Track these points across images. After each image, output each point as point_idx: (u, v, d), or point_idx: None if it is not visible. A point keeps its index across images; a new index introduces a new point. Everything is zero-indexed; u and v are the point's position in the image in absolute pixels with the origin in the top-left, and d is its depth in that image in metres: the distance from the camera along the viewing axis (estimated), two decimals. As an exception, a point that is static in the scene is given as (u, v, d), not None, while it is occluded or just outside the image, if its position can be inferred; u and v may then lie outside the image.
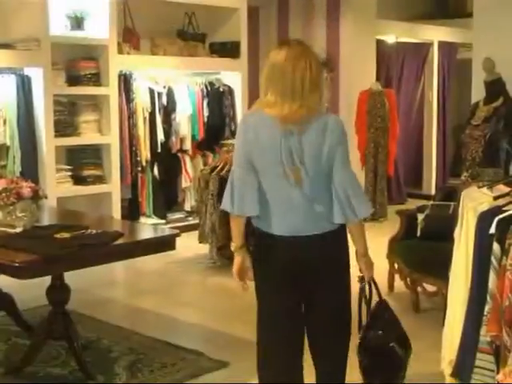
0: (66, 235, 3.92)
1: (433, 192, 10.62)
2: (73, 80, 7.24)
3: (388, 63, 10.22)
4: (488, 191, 2.79)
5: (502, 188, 2.78)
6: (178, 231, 4.16)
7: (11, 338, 4.79)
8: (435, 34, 10.51)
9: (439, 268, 5.11)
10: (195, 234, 6.82)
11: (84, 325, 4.87)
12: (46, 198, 4.42)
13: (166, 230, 4.52)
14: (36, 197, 4.28)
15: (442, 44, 10.62)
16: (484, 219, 2.56)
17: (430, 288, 5.39)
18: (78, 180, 7.31)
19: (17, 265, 3.50)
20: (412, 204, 9.45)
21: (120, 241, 3.94)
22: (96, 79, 7.35)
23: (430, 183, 10.74)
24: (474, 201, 2.77)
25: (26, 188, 4.24)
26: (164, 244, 4.07)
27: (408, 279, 5.58)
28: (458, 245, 2.93)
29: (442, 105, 10.80)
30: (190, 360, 4.46)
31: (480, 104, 4.21)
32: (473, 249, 2.65)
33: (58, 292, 4.12)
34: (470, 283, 2.67)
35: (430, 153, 10.74)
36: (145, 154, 7.86)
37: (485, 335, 2.64)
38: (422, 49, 10.60)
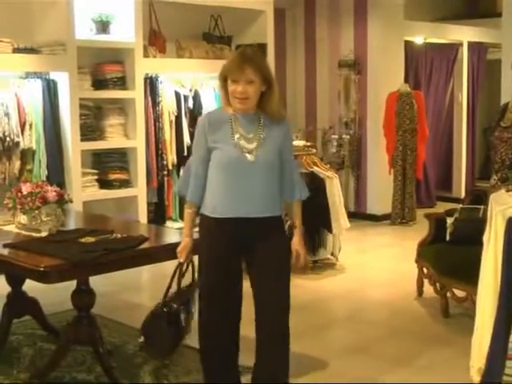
0: (91, 239, 3.95)
1: (462, 195, 10.55)
2: (98, 84, 7.26)
3: (416, 64, 10.17)
4: (517, 195, 2.77)
5: (532, 192, 2.75)
6: (203, 235, 4.14)
7: (37, 343, 4.83)
8: (464, 34, 10.43)
9: (469, 273, 5.06)
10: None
11: (109, 329, 4.91)
12: (71, 202, 4.45)
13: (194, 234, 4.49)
14: (61, 201, 4.32)
15: (471, 44, 10.54)
16: (513, 223, 2.53)
17: (460, 293, 5.34)
18: (104, 184, 7.33)
19: (42, 269, 3.51)
20: (442, 207, 9.41)
21: (145, 245, 3.95)
22: (122, 83, 7.37)
23: (460, 186, 10.66)
24: (503, 204, 2.74)
25: (51, 192, 4.27)
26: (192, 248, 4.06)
27: (437, 284, 5.54)
28: (486, 249, 2.89)
29: (472, 106, 10.72)
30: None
31: (510, 105, 4.15)
32: (501, 253, 2.61)
33: (83, 296, 4.13)
34: (499, 289, 2.63)
35: (460, 155, 10.67)
36: (171, 157, 7.87)
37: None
38: (451, 49, 10.52)
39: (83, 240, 3.93)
